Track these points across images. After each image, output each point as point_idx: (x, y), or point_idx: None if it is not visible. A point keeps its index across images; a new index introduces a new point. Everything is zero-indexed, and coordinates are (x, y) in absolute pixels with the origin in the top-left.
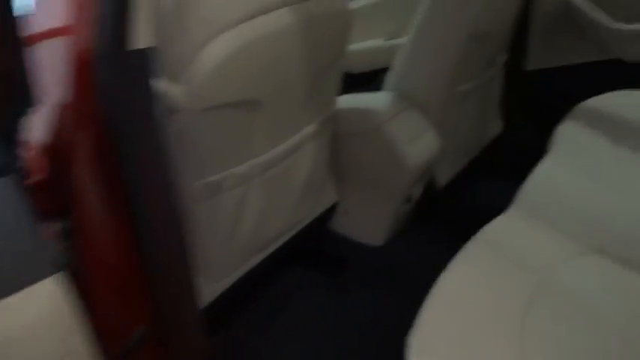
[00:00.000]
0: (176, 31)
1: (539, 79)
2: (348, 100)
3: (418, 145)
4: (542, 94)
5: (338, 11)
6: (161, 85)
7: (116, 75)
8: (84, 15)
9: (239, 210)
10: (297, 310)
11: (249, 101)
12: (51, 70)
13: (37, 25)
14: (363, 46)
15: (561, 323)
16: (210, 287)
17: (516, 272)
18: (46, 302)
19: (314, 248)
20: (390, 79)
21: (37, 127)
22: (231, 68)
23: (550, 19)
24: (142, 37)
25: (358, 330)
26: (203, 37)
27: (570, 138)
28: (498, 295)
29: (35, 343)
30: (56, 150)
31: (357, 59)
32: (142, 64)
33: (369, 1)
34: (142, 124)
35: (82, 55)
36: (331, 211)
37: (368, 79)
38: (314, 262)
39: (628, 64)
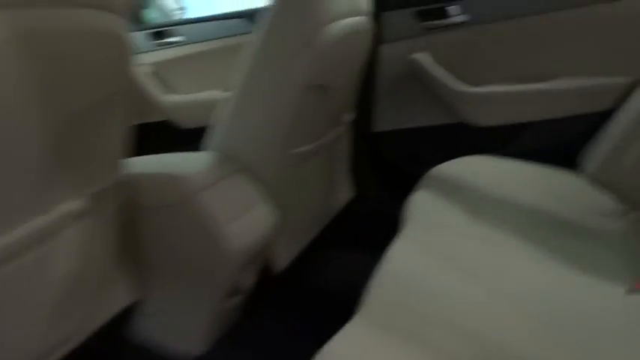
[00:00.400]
0: None
1: (390, 141)
2: (150, 163)
3: (246, 220)
4: (393, 157)
5: (107, 31)
6: None
7: None
8: None
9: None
10: None
11: None
12: None
13: None
14: (197, 97)
15: None
16: None
17: None
18: None
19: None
20: (213, 136)
21: None
22: None
23: (397, 78)
24: None
25: None
26: None
27: (423, 210)
28: None
29: None
30: None
31: (188, 112)
32: None
33: (207, 46)
34: None
35: None
36: (126, 315)
37: (200, 137)
38: None
39: (477, 128)
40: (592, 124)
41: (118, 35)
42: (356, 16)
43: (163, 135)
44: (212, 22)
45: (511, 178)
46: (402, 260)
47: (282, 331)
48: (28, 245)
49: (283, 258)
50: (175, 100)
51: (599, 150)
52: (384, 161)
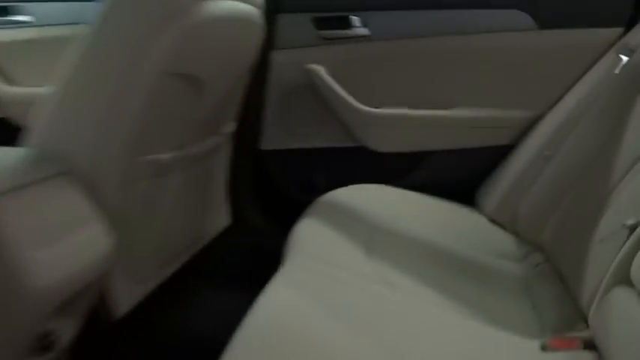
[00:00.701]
0: None
1: (277, 161)
2: None
3: (64, 245)
4: (280, 180)
5: None
6: None
7: None
8: None
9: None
10: None
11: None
12: None
13: None
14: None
15: None
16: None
17: None
18: None
19: None
20: (34, 129)
21: None
22: None
23: (290, 90)
24: None
25: None
26: None
27: (307, 243)
28: None
29: None
30: None
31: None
32: None
33: (60, 32)
34: None
35: None
36: None
37: None
38: None
39: (376, 154)
40: (492, 158)
41: None
42: (245, 1)
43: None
44: (68, 4)
45: (409, 211)
46: (277, 304)
47: None
48: None
49: (125, 299)
50: (14, 92)
51: (498, 187)
52: (269, 184)
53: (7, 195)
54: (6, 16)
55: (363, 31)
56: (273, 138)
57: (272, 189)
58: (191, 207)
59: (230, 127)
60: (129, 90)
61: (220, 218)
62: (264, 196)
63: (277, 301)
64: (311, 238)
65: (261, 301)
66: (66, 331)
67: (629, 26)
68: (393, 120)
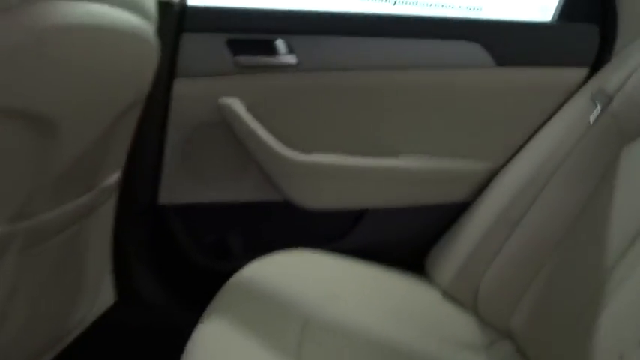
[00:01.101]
0: None
1: (181, 219)
2: None
3: None
4: (184, 244)
5: None
6: None
7: None
8: None
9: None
10: None
11: None
12: None
13: None
14: None
15: None
16: None
17: None
18: None
19: None
20: None
21: None
22: None
23: (198, 130)
24: None
25: None
26: None
27: (216, 347)
28: None
29: None
30: None
31: None
32: None
33: None
34: None
35: None
36: None
37: None
38: None
39: (305, 211)
40: (444, 218)
41: None
42: (127, 9)
43: None
44: None
45: (348, 286)
46: None
47: None
48: None
49: None
50: None
51: (453, 255)
52: (169, 249)
53: None
54: None
55: (290, 58)
56: (175, 190)
57: (174, 255)
58: (51, 292)
59: (113, 179)
60: None
61: (103, 296)
62: (164, 263)
63: None
64: (216, 347)
65: None
66: None
67: (595, 66)
68: (325, 170)
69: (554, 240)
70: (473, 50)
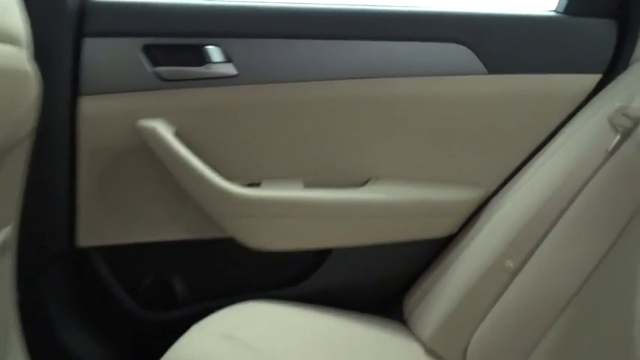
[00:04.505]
0: None
1: (105, 263)
2: None
3: None
4: (113, 290)
5: None
6: None
7: None
8: None
9: None
10: None
11: None
12: None
13: None
14: None
15: None
16: None
17: None
18: None
19: None
20: None
21: None
22: None
23: (116, 157)
24: None
25: None
26: None
27: None
28: None
29: None
30: None
31: None
32: None
33: None
34: None
35: None
36: None
37: None
38: None
39: (254, 251)
40: (424, 257)
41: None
42: None
43: None
44: None
45: (310, 342)
46: None
47: None
48: None
49: None
50: None
51: (436, 305)
52: (99, 299)
53: None
54: None
55: (227, 68)
56: (96, 230)
57: (102, 303)
58: None
59: (5, 233)
60: None
61: None
62: (93, 316)
63: None
64: None
65: None
66: None
67: (609, 73)
68: (277, 205)
69: (564, 296)
70: (458, 54)
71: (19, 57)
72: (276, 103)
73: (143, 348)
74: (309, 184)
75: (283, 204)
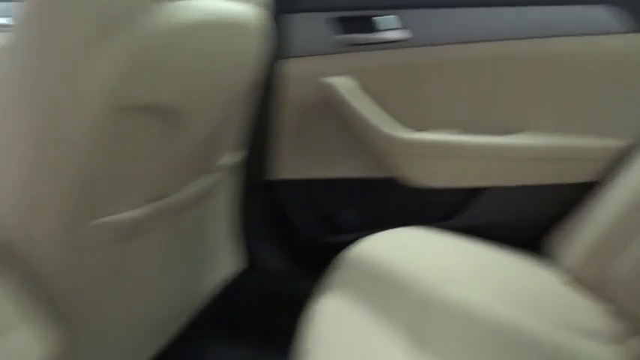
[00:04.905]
0: None
1: (291, 194)
2: None
3: None
4: (296, 218)
5: None
6: None
7: None
8: None
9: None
10: None
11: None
12: None
13: None
14: None
15: None
16: None
17: None
18: None
19: None
20: None
21: None
22: None
23: (304, 109)
24: None
25: None
26: None
27: (332, 324)
28: None
29: None
30: None
31: None
32: None
33: None
34: None
35: None
36: None
37: None
38: None
39: (416, 189)
40: (568, 198)
41: None
42: (242, 1)
43: None
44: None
45: (463, 268)
46: None
47: None
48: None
49: None
50: None
51: (579, 238)
52: (286, 222)
53: None
54: None
55: (401, 34)
56: (289, 166)
57: (290, 227)
58: (181, 265)
59: (233, 157)
60: (65, 135)
61: (227, 264)
62: (281, 235)
63: None
64: (333, 325)
65: None
66: None
67: None
68: (438, 147)
69: None
70: (611, 15)
71: (261, 18)
72: (441, 62)
73: (316, 264)
74: (465, 131)
75: (443, 145)
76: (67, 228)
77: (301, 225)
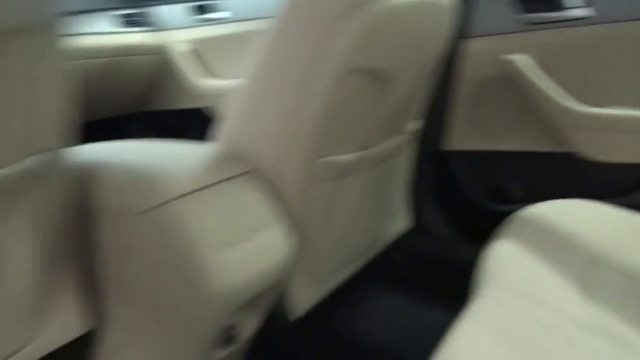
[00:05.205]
0: None
1: (464, 164)
2: (130, 150)
3: (248, 247)
4: (467, 185)
5: None
6: None
7: None
8: None
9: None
10: None
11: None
12: None
13: None
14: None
15: None
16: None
17: None
18: None
19: None
20: (221, 126)
21: None
22: None
23: (483, 84)
24: None
25: None
26: None
27: (504, 274)
28: None
29: None
30: None
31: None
32: None
33: (256, 26)
34: None
35: None
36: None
37: None
38: None
39: (589, 163)
40: None
41: None
42: None
43: (198, 125)
44: None
45: (635, 240)
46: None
47: None
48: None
49: (302, 301)
50: (214, 85)
51: None
52: (453, 190)
53: (193, 195)
54: (204, 13)
55: (584, 11)
56: (461, 138)
57: (457, 195)
58: (371, 209)
59: (414, 125)
60: (311, 89)
61: (399, 222)
62: (448, 202)
63: (466, 344)
64: (509, 265)
65: (450, 341)
66: (247, 326)
67: None
68: (617, 123)
69: None
70: None
71: None
72: (627, 39)
73: (479, 230)
74: None
75: (622, 120)
76: (304, 162)
77: (469, 192)
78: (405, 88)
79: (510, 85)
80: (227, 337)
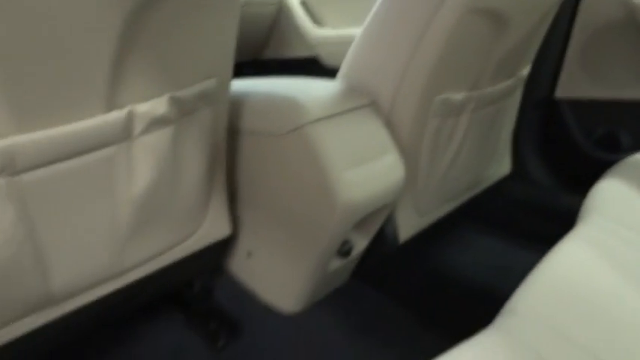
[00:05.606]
0: None
1: (575, 112)
2: (261, 86)
3: (368, 169)
4: (574, 134)
5: None
6: None
7: None
8: None
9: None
10: None
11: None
12: None
13: None
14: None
15: None
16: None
17: None
18: None
19: (198, 297)
20: (345, 66)
21: None
22: None
23: (601, 30)
24: None
25: None
26: None
27: (608, 207)
28: None
29: None
30: None
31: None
32: None
33: None
34: None
35: None
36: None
37: None
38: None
39: None
40: None
41: None
42: None
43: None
44: None
45: None
46: (568, 260)
47: (389, 308)
48: (92, 144)
49: (405, 229)
50: (323, 34)
51: None
52: (559, 137)
53: (324, 120)
54: None
55: None
56: (572, 85)
57: (562, 142)
58: (477, 150)
59: (526, 70)
60: (431, 29)
61: (502, 166)
62: (553, 149)
63: (568, 257)
64: (614, 200)
65: (552, 255)
66: (360, 243)
67: None
68: None
69: None
70: None
71: None
72: None
73: (585, 180)
74: None
75: None
76: (422, 98)
77: (578, 140)
78: (521, 33)
79: (632, 31)
80: (343, 250)
